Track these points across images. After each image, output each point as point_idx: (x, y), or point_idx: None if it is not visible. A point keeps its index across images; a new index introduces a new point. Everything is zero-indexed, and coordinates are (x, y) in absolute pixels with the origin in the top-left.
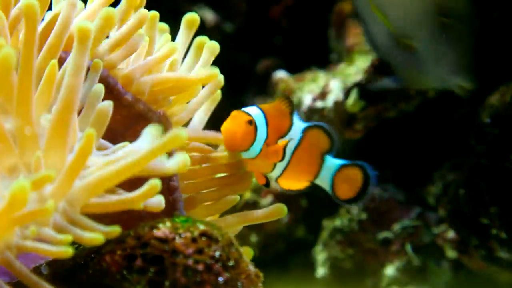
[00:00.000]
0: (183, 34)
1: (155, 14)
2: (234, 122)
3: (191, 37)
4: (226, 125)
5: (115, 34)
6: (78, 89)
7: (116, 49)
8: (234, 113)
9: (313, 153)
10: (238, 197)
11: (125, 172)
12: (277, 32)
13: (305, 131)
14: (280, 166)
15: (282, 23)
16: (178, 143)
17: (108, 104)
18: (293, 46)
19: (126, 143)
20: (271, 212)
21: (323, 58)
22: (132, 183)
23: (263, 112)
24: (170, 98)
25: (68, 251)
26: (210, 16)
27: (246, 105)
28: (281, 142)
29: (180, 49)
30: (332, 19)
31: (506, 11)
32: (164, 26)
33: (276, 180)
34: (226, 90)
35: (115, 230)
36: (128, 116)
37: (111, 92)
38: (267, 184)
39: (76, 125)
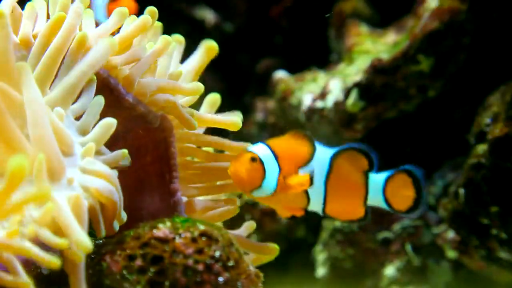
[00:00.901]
0: (198, 56)
1: (158, 24)
2: (237, 162)
3: (205, 62)
4: (231, 167)
5: (116, 36)
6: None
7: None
8: (238, 154)
9: (353, 175)
10: (238, 209)
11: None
12: (277, 32)
13: (334, 157)
14: (317, 198)
15: (282, 23)
16: None
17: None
18: (293, 46)
19: (125, 150)
20: (263, 247)
21: (323, 58)
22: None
23: (269, 146)
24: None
25: (56, 263)
26: (210, 16)
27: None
28: (302, 176)
29: (192, 67)
30: (332, 19)
31: (505, 11)
32: (180, 37)
33: (325, 212)
34: (226, 90)
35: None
36: (129, 118)
37: (112, 93)
38: (306, 213)
39: (64, 130)
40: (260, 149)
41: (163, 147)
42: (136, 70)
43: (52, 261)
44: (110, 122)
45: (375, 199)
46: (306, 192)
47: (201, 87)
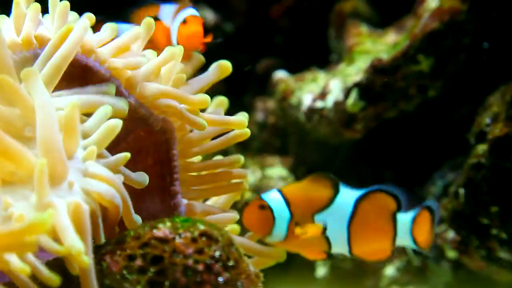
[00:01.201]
0: (211, 73)
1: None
2: (248, 209)
3: (215, 80)
4: (243, 213)
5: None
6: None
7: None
8: (251, 201)
9: (380, 217)
10: (238, 216)
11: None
12: (277, 32)
13: (360, 199)
14: (340, 240)
15: (282, 23)
16: None
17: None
18: (293, 46)
19: (128, 154)
20: (271, 253)
21: (323, 58)
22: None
23: (281, 193)
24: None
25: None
26: (210, 16)
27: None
28: (313, 225)
29: (202, 83)
30: (332, 19)
31: (505, 11)
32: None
33: (352, 254)
34: (226, 90)
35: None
36: (130, 120)
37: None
38: (330, 255)
39: (78, 132)
40: (271, 197)
41: (164, 149)
42: (139, 73)
43: (52, 278)
44: (114, 125)
45: (404, 239)
46: (326, 236)
47: (207, 99)
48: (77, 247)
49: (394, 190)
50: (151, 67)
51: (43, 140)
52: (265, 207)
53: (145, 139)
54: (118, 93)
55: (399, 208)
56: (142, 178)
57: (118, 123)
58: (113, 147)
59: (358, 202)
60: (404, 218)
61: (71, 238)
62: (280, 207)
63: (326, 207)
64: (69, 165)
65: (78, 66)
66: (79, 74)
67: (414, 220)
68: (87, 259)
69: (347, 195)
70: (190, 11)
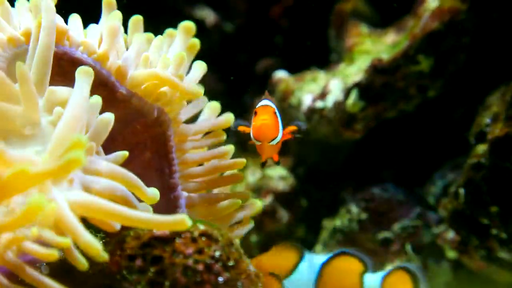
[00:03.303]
0: (180, 39)
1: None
2: None
3: (188, 42)
4: None
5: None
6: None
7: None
8: None
9: (346, 279)
10: (240, 202)
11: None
12: (277, 32)
13: (326, 264)
14: None
15: (282, 23)
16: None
17: (110, 116)
18: (293, 46)
19: (126, 153)
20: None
21: (323, 58)
22: None
23: None
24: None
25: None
26: (210, 16)
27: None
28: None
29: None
30: (332, 19)
31: (505, 11)
32: (173, 31)
33: None
34: (226, 90)
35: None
36: (125, 113)
37: (106, 86)
38: None
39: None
40: None
41: (161, 142)
42: (128, 62)
43: (50, 254)
44: (108, 118)
45: None
46: None
47: (200, 92)
48: (95, 246)
49: (358, 253)
50: (137, 54)
51: (59, 138)
52: None
53: (142, 132)
54: (110, 85)
55: (366, 269)
56: (116, 157)
57: (110, 117)
58: (110, 142)
59: (324, 267)
60: (373, 278)
61: (85, 236)
62: None
63: (289, 274)
64: None
65: (67, 59)
66: (69, 68)
67: (386, 280)
68: (104, 254)
69: (312, 262)
70: (262, 102)
